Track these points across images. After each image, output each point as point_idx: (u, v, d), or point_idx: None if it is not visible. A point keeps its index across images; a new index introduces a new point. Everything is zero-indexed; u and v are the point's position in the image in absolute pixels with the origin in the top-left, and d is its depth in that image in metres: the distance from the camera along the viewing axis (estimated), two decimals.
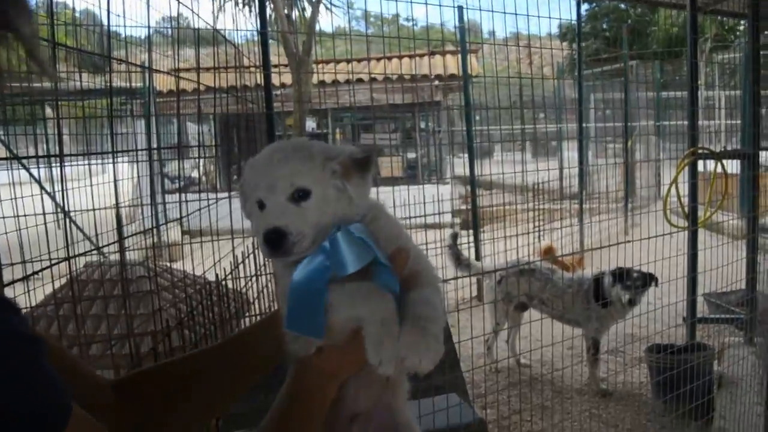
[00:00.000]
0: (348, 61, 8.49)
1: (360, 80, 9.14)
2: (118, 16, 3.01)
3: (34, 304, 3.44)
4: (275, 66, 6.78)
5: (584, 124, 8.65)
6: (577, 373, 4.40)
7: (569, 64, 11.28)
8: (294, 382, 1.00)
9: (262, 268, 3.85)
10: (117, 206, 2.29)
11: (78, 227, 4.83)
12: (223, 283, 3.18)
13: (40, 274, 1.94)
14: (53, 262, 2.10)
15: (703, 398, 3.61)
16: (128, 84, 6.21)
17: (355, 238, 0.97)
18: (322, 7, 10.00)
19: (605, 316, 4.37)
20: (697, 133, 4.29)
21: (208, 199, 3.46)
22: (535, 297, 4.58)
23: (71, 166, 4.72)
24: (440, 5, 4.00)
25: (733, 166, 4.63)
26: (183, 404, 1.07)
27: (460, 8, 5.70)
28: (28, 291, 3.18)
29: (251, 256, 3.61)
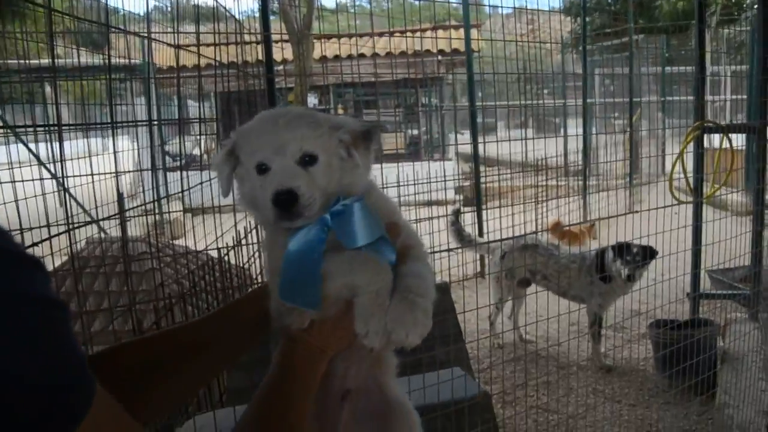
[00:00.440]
0: (350, 36, 8.42)
1: (362, 55, 9.06)
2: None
3: None
4: (276, 41, 6.72)
5: (588, 100, 8.59)
6: (580, 349, 4.41)
7: (574, 38, 11.17)
8: (283, 357, 0.99)
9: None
10: (116, 175, 2.27)
11: (77, 201, 4.83)
12: (226, 258, 3.17)
13: (40, 249, 1.93)
14: (53, 234, 2.08)
15: (706, 373, 3.62)
16: (127, 60, 6.17)
17: (369, 211, 0.97)
18: None
19: (608, 292, 4.37)
20: (704, 104, 4.24)
21: (210, 177, 3.45)
22: (539, 272, 4.58)
23: (70, 141, 4.72)
24: None
25: (739, 140, 4.59)
26: (162, 379, 1.03)
27: None
28: None
29: (253, 231, 3.60)
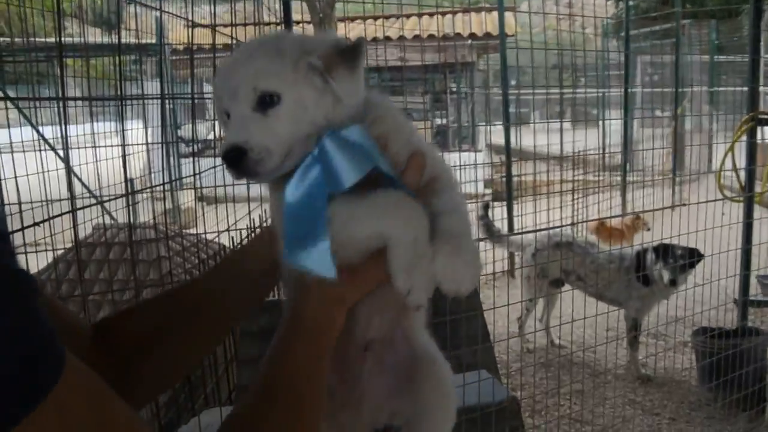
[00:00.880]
0: (375, 18, 8.37)
1: (389, 38, 9.01)
2: None
3: (40, 266, 3.49)
4: (297, 22, 6.70)
5: (630, 89, 8.45)
6: (616, 356, 4.33)
7: (615, 23, 11.01)
8: (293, 310, 0.90)
9: None
10: (123, 155, 2.25)
11: (81, 181, 4.86)
12: (239, 247, 3.15)
13: (41, 229, 1.92)
14: (54, 215, 2.07)
15: (754, 387, 3.53)
16: (138, 40, 6.19)
17: (348, 142, 0.85)
18: None
19: (647, 296, 4.29)
20: (757, 96, 4.13)
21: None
22: (572, 272, 4.51)
23: (76, 125, 4.74)
24: None
25: None
26: (168, 342, 1.01)
27: None
28: (37, 251, 3.22)
29: (269, 219, 3.58)
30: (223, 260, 1.15)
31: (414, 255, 0.82)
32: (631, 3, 10.69)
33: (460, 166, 5.57)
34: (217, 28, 3.23)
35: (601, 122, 8.73)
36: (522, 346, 4.61)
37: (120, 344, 0.98)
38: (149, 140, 6.05)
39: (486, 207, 4.77)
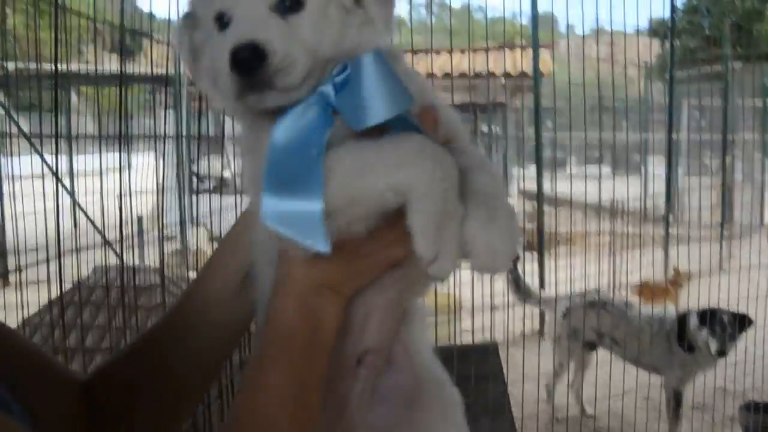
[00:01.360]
0: (405, 53, 8.44)
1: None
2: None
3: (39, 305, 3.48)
4: None
5: (674, 135, 8.36)
6: (654, 430, 4.19)
7: (660, 64, 11.00)
8: (271, 306, 0.73)
9: None
10: (121, 196, 2.25)
11: (89, 218, 4.89)
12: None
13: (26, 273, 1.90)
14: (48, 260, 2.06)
15: None
16: (154, 70, 6.30)
17: (389, 70, 0.72)
18: None
19: (690, 364, 4.16)
20: None
21: (239, 202, 3.42)
22: (607, 335, 4.40)
23: (86, 154, 4.82)
24: None
25: None
26: (143, 396, 0.92)
27: None
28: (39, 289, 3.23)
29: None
30: (183, 295, 0.99)
31: (442, 212, 0.68)
32: (676, 42, 10.69)
33: None
34: None
35: (642, 169, 8.66)
36: (551, 415, 4.48)
37: (105, 399, 0.92)
38: (161, 175, 6.11)
39: (515, 260, 4.69)
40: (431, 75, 9.33)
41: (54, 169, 5.09)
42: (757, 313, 3.77)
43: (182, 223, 5.96)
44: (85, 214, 5.16)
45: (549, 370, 4.56)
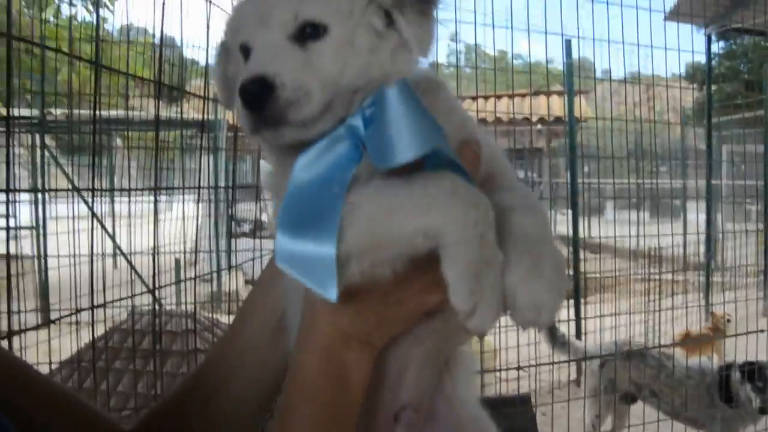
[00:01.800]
0: None
1: None
2: (196, 47, 3.09)
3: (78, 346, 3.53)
4: None
5: (714, 181, 8.21)
6: None
7: (698, 109, 10.88)
8: (295, 356, 0.69)
9: None
10: (155, 247, 2.27)
11: (127, 260, 4.96)
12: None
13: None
14: (81, 309, 2.09)
15: None
16: (195, 115, 6.43)
17: (417, 102, 0.65)
18: None
19: (733, 419, 4.00)
20: None
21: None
22: (646, 387, 4.26)
23: (125, 201, 4.94)
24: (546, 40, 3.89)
25: None
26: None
27: (568, 42, 5.57)
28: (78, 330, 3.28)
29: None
30: (218, 343, 0.96)
31: (479, 259, 0.62)
32: (715, 87, 10.56)
33: None
34: None
35: (681, 215, 8.50)
36: None
37: None
38: (199, 217, 6.20)
39: None
40: None
41: (93, 211, 5.23)
42: None
43: (218, 266, 6.00)
44: (125, 256, 5.24)
45: (586, 424, 4.43)
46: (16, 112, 4.67)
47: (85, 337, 3.39)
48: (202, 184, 5.93)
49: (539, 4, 3.49)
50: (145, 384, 3.29)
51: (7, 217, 4.34)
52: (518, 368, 2.95)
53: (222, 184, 6.69)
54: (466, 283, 0.61)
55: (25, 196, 6.24)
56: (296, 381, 0.67)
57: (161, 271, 4.02)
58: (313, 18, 0.70)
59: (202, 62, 5.07)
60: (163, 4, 1.95)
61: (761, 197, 8.67)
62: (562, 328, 4.79)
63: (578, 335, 5.61)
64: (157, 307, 3.02)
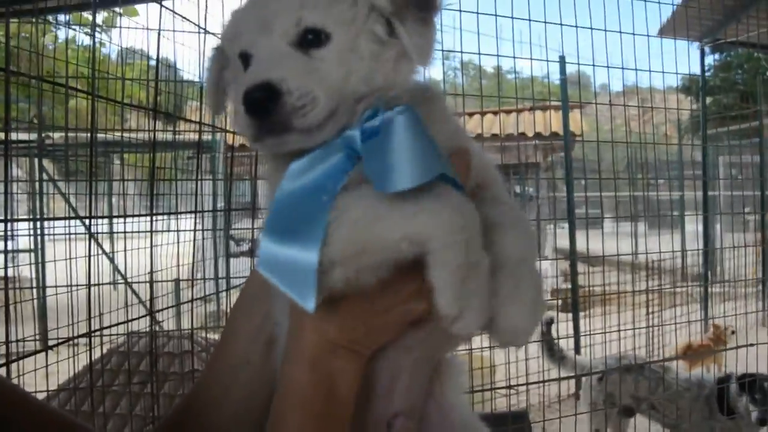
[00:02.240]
0: None
1: None
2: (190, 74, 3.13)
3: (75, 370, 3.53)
4: None
5: (711, 192, 8.23)
6: None
7: (694, 121, 10.93)
8: (283, 365, 0.69)
9: None
10: (152, 275, 2.28)
11: (125, 279, 4.98)
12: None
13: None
14: (80, 333, 2.11)
15: None
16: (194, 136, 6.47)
17: (423, 130, 0.65)
18: None
19: (732, 430, 3.98)
20: None
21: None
22: (644, 400, 4.25)
23: (132, 222, 4.96)
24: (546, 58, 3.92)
25: None
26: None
27: (562, 58, 5.62)
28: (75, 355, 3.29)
29: None
30: (208, 363, 0.93)
31: (466, 264, 0.62)
32: (710, 99, 10.60)
33: None
34: None
35: (680, 227, 8.51)
36: None
37: None
38: (197, 239, 6.21)
39: (549, 323, 4.60)
40: None
41: (90, 231, 5.26)
42: None
43: (217, 287, 6.01)
44: (125, 279, 5.26)
45: None
46: (13, 135, 4.70)
47: (83, 360, 3.40)
48: (199, 208, 5.97)
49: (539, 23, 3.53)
50: (143, 406, 3.29)
51: (6, 240, 4.36)
52: (508, 387, 2.94)
53: (219, 205, 6.71)
54: (452, 288, 0.61)
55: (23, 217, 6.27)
56: (285, 391, 0.67)
57: (159, 294, 4.03)
58: (316, 25, 0.70)
59: (198, 83, 5.11)
60: (159, 32, 1.98)
61: (758, 207, 8.69)
62: (561, 343, 4.79)
63: (577, 349, 5.60)
64: (155, 329, 3.02)
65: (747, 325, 6.57)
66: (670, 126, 8.74)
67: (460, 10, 3.05)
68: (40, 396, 2.90)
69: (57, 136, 6.05)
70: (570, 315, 6.15)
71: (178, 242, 4.55)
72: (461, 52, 3.55)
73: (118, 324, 2.73)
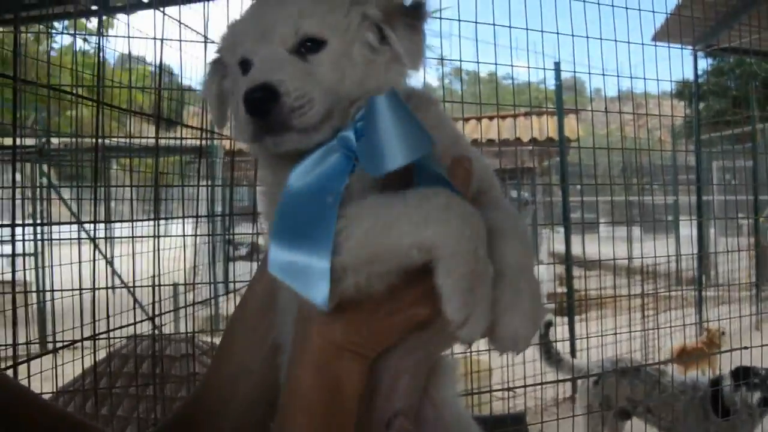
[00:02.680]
0: None
1: None
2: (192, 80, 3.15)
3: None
4: None
5: (705, 197, 8.26)
6: None
7: (687, 127, 10.97)
8: (290, 367, 0.70)
9: None
10: (155, 279, 2.31)
11: (125, 284, 4.98)
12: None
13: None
14: (84, 337, 2.12)
15: None
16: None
17: (406, 110, 0.67)
18: None
19: (728, 430, 4.00)
20: None
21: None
22: (640, 403, 4.26)
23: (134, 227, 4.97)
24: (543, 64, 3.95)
25: None
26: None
27: (557, 65, 5.65)
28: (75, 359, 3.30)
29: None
30: (208, 370, 0.94)
31: (472, 272, 0.64)
32: (704, 104, 10.63)
33: None
34: None
35: (674, 231, 8.54)
36: None
37: None
38: (197, 244, 6.22)
39: (548, 326, 4.61)
40: None
41: (91, 235, 5.27)
42: None
43: (216, 291, 6.01)
44: (122, 281, 5.26)
45: None
46: (18, 141, 4.71)
47: (85, 363, 3.41)
48: (199, 212, 5.98)
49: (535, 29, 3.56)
50: (145, 408, 3.30)
51: (14, 243, 4.37)
52: (508, 389, 2.96)
53: (219, 210, 6.72)
54: (460, 295, 0.63)
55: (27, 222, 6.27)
56: (291, 394, 0.69)
57: (161, 298, 4.04)
58: (313, 33, 0.73)
59: (199, 89, 5.11)
60: (161, 40, 2.00)
61: (752, 212, 8.73)
62: (557, 346, 4.80)
63: (573, 353, 5.61)
64: (156, 332, 3.04)
65: (741, 329, 6.58)
66: (664, 131, 8.79)
67: (459, 19, 3.11)
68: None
69: (56, 141, 6.06)
70: (566, 319, 6.18)
71: (184, 246, 4.56)
72: (460, 60, 3.59)
73: (121, 327, 2.75)
